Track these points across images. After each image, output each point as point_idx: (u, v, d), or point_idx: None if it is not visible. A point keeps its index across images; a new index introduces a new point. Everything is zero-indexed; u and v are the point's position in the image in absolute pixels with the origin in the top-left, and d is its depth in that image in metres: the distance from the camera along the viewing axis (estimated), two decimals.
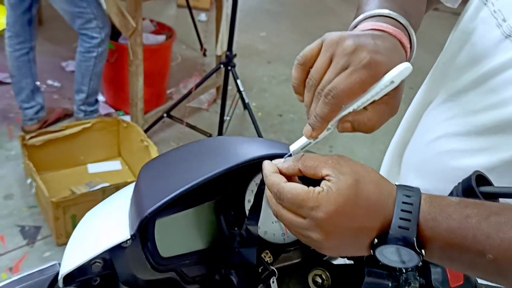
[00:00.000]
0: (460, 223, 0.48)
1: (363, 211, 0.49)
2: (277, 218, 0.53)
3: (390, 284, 0.62)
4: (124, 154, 2.54)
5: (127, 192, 0.68)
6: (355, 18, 0.66)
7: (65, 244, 2.03)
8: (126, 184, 2.07)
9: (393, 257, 0.51)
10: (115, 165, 2.51)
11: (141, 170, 0.68)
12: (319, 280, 0.68)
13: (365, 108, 0.55)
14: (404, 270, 0.62)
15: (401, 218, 0.48)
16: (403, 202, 0.49)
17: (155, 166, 0.66)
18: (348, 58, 0.53)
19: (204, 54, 3.79)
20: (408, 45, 0.60)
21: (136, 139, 2.37)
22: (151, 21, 3.03)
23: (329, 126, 0.55)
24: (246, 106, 2.58)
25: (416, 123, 0.87)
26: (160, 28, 3.01)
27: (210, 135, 2.70)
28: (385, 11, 0.61)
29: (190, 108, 2.95)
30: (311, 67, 0.55)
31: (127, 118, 2.78)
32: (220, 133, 2.71)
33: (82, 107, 2.61)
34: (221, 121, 2.69)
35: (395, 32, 0.58)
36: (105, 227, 0.62)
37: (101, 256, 0.59)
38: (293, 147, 0.58)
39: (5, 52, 2.49)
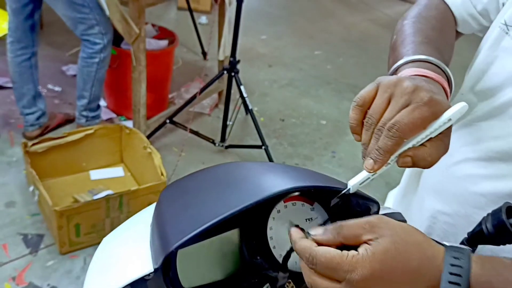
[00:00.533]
0: None
1: (402, 276, 0.49)
2: (310, 286, 0.52)
3: None
4: (126, 160, 2.52)
5: (146, 217, 0.67)
6: (390, 58, 0.70)
7: (69, 252, 2.02)
8: (129, 192, 2.06)
9: None
10: (117, 171, 2.50)
11: (160, 196, 0.67)
12: None
13: (423, 144, 0.57)
14: None
15: (450, 282, 0.47)
16: (452, 265, 0.48)
17: (177, 193, 0.64)
18: (408, 97, 0.55)
19: (205, 58, 3.77)
20: (448, 89, 0.63)
21: (139, 145, 2.36)
22: (153, 25, 3.01)
23: (388, 161, 0.57)
24: (249, 111, 2.57)
25: None
26: (162, 32, 3.00)
27: (213, 141, 2.68)
28: (424, 57, 0.65)
29: (192, 113, 2.94)
30: (368, 108, 0.58)
31: (129, 123, 2.77)
32: (223, 138, 2.70)
33: (84, 113, 2.59)
34: (224, 126, 2.68)
35: (438, 78, 0.62)
36: (126, 258, 0.61)
37: None
38: (352, 182, 0.59)
39: (6, 57, 2.47)
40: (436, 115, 0.55)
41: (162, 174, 2.16)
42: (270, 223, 0.65)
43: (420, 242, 0.51)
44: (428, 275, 0.49)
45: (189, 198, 0.60)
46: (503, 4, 0.76)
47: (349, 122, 0.60)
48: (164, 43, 2.85)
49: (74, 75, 3.21)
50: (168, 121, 2.65)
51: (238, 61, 2.54)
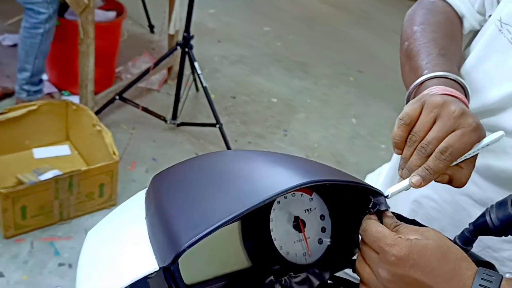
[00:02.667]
0: None
1: (434, 270, 0.52)
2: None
3: None
4: (73, 138, 2.40)
5: (136, 208, 0.63)
6: (405, 66, 0.76)
7: (14, 236, 1.90)
8: (79, 172, 1.96)
9: None
10: (63, 149, 2.37)
11: (155, 185, 0.62)
12: None
13: (459, 165, 0.61)
14: None
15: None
16: (483, 279, 0.51)
17: (177, 183, 0.60)
18: (456, 121, 0.59)
19: (152, 31, 3.64)
20: (468, 104, 0.68)
21: (88, 123, 2.25)
22: None
23: None
24: (203, 88, 2.51)
25: None
26: (108, 3, 2.84)
27: (164, 119, 2.60)
28: (445, 74, 0.69)
29: (140, 89, 2.83)
30: (413, 126, 0.61)
31: (73, 98, 2.63)
32: (174, 116, 2.62)
33: (25, 87, 2.43)
34: (176, 103, 2.60)
35: (462, 97, 0.66)
36: (124, 254, 0.57)
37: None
38: (391, 190, 0.62)
39: None
40: (480, 140, 0.60)
41: (114, 153, 2.07)
42: (271, 214, 0.63)
43: (461, 253, 0.54)
44: (457, 280, 0.52)
45: (193, 191, 0.57)
46: (498, 1, 0.77)
47: (393, 138, 0.63)
48: (112, 14, 2.71)
49: (12, 46, 3.00)
50: (117, 97, 2.54)
51: (192, 37, 2.46)
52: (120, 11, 2.75)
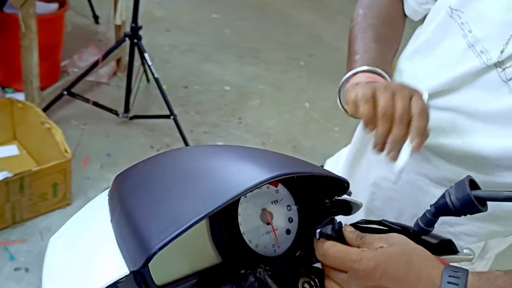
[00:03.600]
0: None
1: (402, 275, 0.54)
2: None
3: None
4: (20, 137, 2.30)
5: (99, 211, 0.61)
6: (349, 47, 0.84)
7: None
8: (31, 172, 1.89)
9: None
10: (11, 150, 2.28)
11: (118, 185, 0.61)
12: (308, 287, 0.68)
13: None
14: None
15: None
16: (450, 276, 0.53)
17: (142, 183, 0.59)
18: (407, 90, 0.68)
19: (97, 22, 3.52)
20: None
21: (35, 121, 2.16)
22: None
23: None
24: (155, 80, 2.46)
25: None
26: None
27: (116, 112, 2.54)
28: (373, 69, 0.77)
29: (89, 82, 2.75)
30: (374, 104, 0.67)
31: (18, 95, 2.52)
32: (127, 109, 2.56)
33: None
34: (127, 96, 2.54)
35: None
36: (91, 259, 0.55)
37: None
38: (400, 164, 0.66)
39: None
40: None
41: (66, 151, 2.01)
42: (239, 209, 0.63)
43: (425, 253, 0.57)
44: (427, 281, 0.54)
45: (161, 191, 0.56)
46: None
47: (363, 116, 0.67)
48: (54, 6, 2.60)
49: None
50: (66, 92, 2.45)
51: (140, 27, 2.40)
52: (62, 2, 2.65)
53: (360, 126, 0.97)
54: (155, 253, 0.49)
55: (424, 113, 0.66)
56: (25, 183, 1.89)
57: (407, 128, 0.66)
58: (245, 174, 0.55)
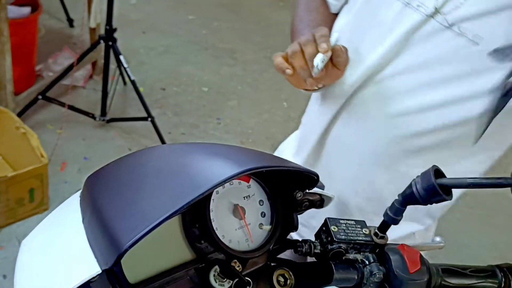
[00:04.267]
0: None
1: None
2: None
3: (356, 277, 0.65)
4: None
5: (71, 212, 0.61)
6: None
7: None
8: (6, 178, 1.87)
9: None
10: None
11: (89, 185, 0.61)
12: (282, 280, 0.69)
13: (336, 68, 0.81)
14: (367, 262, 0.65)
15: None
16: None
17: (109, 183, 0.59)
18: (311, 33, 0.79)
19: (71, 25, 3.48)
20: None
21: (10, 126, 2.13)
22: None
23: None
24: (131, 82, 2.45)
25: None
26: None
27: (93, 115, 2.52)
28: None
29: (64, 86, 2.72)
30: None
31: None
32: (103, 112, 2.55)
33: None
34: (104, 99, 2.53)
35: None
36: (63, 260, 0.55)
37: None
38: (316, 61, 0.76)
39: None
40: None
41: (42, 156, 1.99)
42: (211, 205, 0.63)
43: None
44: None
45: (129, 190, 0.56)
46: None
47: (277, 65, 0.79)
48: (26, 10, 2.56)
49: None
50: (40, 97, 2.43)
51: (115, 29, 2.38)
52: (35, 5, 2.61)
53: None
54: (126, 250, 0.49)
55: (324, 31, 0.78)
56: (0, 189, 1.86)
57: (316, 45, 0.77)
58: (214, 170, 0.56)
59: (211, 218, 0.63)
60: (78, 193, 0.65)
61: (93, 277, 0.53)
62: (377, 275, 0.64)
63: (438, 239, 0.83)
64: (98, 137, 2.58)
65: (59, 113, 2.56)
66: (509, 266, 0.72)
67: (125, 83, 2.93)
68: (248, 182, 0.68)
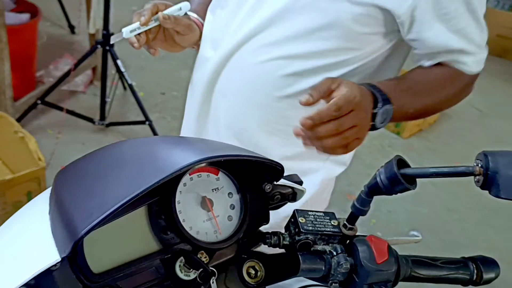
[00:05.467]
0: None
1: (366, 97, 0.80)
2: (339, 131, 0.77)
3: (323, 268, 0.65)
4: None
5: (40, 205, 0.62)
6: None
7: None
8: (3, 181, 1.89)
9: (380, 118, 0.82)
10: None
11: (56, 180, 0.62)
12: (253, 272, 0.69)
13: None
14: (335, 253, 0.65)
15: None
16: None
17: (75, 175, 0.60)
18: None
19: (73, 32, 3.52)
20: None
21: (8, 130, 2.15)
22: None
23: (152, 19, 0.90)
24: (129, 86, 2.47)
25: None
26: (20, 5, 2.73)
27: (92, 120, 2.54)
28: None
29: (65, 91, 2.75)
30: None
31: None
32: (103, 116, 2.57)
33: None
34: (103, 104, 2.55)
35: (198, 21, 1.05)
36: (26, 249, 0.56)
37: (27, 283, 0.53)
38: (124, 29, 0.89)
39: None
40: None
41: (39, 159, 2.00)
42: (178, 197, 0.64)
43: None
44: (367, 93, 0.81)
45: (91, 180, 0.57)
46: None
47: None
48: (25, 16, 2.60)
49: None
50: (39, 101, 2.45)
51: (112, 34, 2.41)
52: (34, 12, 2.65)
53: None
54: (82, 237, 0.50)
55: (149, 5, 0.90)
56: None
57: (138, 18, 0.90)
58: (175, 158, 0.57)
59: (178, 209, 0.64)
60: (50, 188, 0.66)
61: (54, 266, 0.54)
62: (344, 266, 0.64)
63: (414, 232, 0.83)
64: (97, 141, 2.59)
65: (59, 118, 2.58)
66: (482, 258, 0.72)
67: (125, 88, 2.95)
68: (217, 175, 0.68)
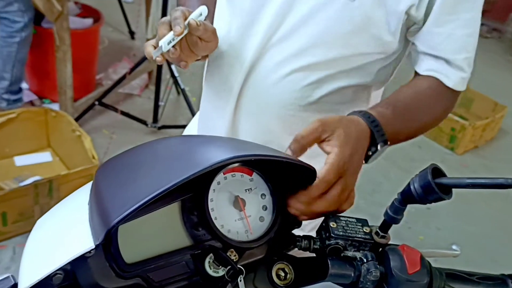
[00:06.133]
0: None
1: (358, 143, 0.73)
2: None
3: (353, 274, 0.64)
4: (54, 145, 2.42)
5: (82, 196, 0.65)
6: None
7: None
8: (59, 177, 1.98)
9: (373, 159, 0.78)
10: (44, 156, 2.39)
11: (97, 173, 0.65)
12: (282, 274, 0.69)
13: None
14: (365, 260, 0.65)
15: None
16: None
17: (114, 169, 0.63)
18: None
19: (133, 37, 3.66)
20: None
21: (67, 129, 2.27)
22: (76, 3, 2.88)
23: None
24: (182, 91, 2.54)
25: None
26: (85, 10, 2.87)
27: (145, 122, 2.63)
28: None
29: (121, 94, 2.86)
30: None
31: (54, 106, 2.65)
32: (155, 119, 2.65)
33: (5, 96, 2.45)
34: (156, 107, 2.63)
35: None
36: (64, 236, 0.60)
37: (63, 267, 0.56)
38: (162, 41, 0.78)
39: None
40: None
41: (93, 157, 2.10)
42: (211, 195, 0.65)
43: (354, 120, 0.75)
44: (364, 137, 0.75)
45: (127, 174, 0.59)
46: None
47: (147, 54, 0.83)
48: (88, 21, 2.74)
49: None
50: (97, 102, 2.57)
51: None
52: (97, 18, 2.78)
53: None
54: (114, 226, 0.52)
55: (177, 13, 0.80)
56: (53, 187, 1.98)
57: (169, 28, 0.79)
58: (206, 156, 0.58)
59: (211, 207, 0.65)
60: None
61: (89, 252, 0.56)
62: (374, 273, 0.63)
63: (454, 246, 0.81)
64: None
65: (115, 119, 2.69)
66: None
67: (178, 92, 3.03)
68: (251, 176, 0.69)
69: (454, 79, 0.90)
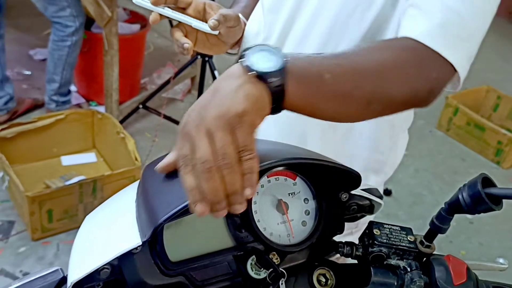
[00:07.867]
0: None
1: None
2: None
3: (396, 283, 0.64)
4: (99, 146, 2.49)
5: (129, 194, 0.67)
6: None
7: (41, 239, 1.98)
8: (103, 177, 2.04)
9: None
10: (89, 157, 2.46)
11: (144, 172, 0.67)
12: (323, 280, 0.69)
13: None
14: (409, 269, 0.64)
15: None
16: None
17: None
18: None
19: None
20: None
21: (112, 130, 2.33)
22: (124, 9, 2.96)
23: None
24: None
25: None
26: (133, 16, 2.95)
27: None
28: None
29: (165, 98, 2.91)
30: None
31: (100, 108, 2.73)
32: None
33: (54, 97, 2.54)
34: None
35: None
36: (112, 232, 0.61)
37: (110, 262, 0.58)
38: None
39: None
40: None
41: (136, 159, 2.14)
42: (254, 197, 0.66)
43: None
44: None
45: (174, 174, 0.61)
46: None
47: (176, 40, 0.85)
48: (136, 27, 2.81)
49: (42, 60, 3.14)
50: (141, 106, 2.63)
51: None
52: (144, 24, 2.85)
53: None
54: (161, 224, 0.54)
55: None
56: (97, 187, 2.04)
57: None
58: None
59: (254, 210, 0.66)
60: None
61: (136, 249, 0.58)
62: (418, 283, 0.62)
63: (501, 260, 0.78)
64: None
65: (157, 123, 2.74)
66: None
67: None
68: (294, 180, 0.69)
69: (421, 25, 0.68)
